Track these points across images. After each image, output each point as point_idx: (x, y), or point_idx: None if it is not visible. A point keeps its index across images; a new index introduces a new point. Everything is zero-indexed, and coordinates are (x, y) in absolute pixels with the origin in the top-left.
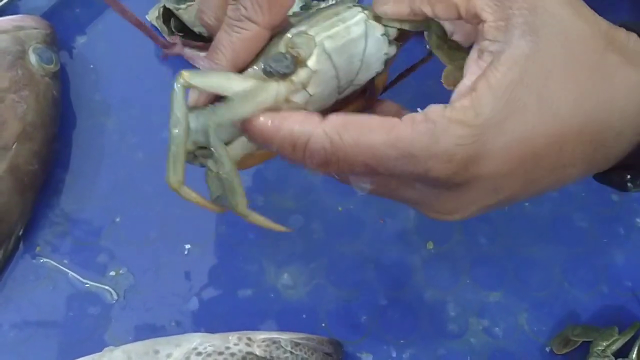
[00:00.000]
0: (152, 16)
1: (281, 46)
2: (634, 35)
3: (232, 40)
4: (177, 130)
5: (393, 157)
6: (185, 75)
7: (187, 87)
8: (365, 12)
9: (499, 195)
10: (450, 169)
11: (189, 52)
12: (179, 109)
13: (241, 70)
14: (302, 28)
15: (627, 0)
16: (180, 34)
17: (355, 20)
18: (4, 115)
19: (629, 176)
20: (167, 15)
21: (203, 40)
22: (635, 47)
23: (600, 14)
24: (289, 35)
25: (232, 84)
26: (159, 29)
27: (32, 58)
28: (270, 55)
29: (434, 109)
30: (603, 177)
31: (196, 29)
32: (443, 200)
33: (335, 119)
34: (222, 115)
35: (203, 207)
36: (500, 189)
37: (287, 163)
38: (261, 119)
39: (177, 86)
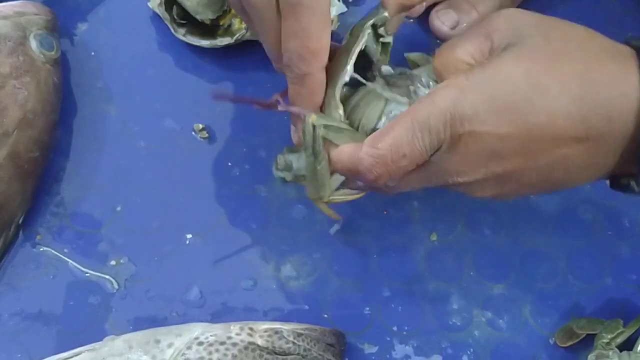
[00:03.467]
0: (154, 3)
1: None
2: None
3: (301, 92)
4: (322, 164)
5: (417, 134)
6: (314, 118)
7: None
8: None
9: (503, 161)
10: (445, 121)
11: (283, 106)
12: (318, 144)
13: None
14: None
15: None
16: (183, 21)
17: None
18: (5, 102)
19: (633, 181)
20: (170, 2)
21: (205, 28)
22: (620, 47)
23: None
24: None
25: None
26: (161, 16)
27: (33, 44)
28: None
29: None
30: (615, 183)
31: (199, 17)
32: (454, 161)
33: (369, 139)
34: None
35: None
36: (501, 153)
37: None
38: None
39: (308, 127)
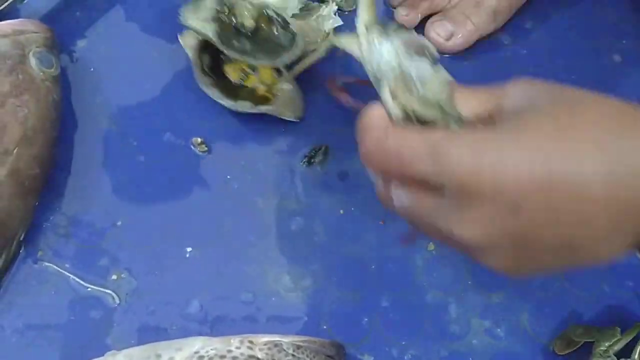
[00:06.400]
0: (188, 42)
1: None
2: None
3: None
4: None
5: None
6: None
7: None
8: None
9: (517, 217)
10: (473, 173)
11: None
12: None
13: None
14: None
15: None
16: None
17: None
18: (5, 120)
19: None
20: (204, 47)
21: (229, 85)
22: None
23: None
24: None
25: None
26: (192, 61)
27: (33, 62)
28: None
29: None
30: None
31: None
32: (466, 212)
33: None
34: None
35: None
36: (518, 208)
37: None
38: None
39: None
